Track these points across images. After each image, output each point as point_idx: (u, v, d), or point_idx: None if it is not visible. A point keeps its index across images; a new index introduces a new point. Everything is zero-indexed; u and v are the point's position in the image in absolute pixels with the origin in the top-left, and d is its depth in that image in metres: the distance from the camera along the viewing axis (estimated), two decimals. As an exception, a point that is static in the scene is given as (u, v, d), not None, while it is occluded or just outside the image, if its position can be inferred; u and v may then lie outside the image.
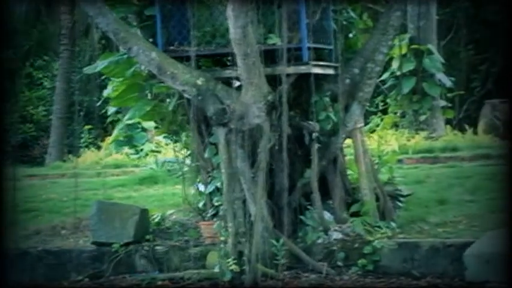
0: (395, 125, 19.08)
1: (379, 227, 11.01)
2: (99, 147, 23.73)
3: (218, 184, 11.25)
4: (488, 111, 18.31)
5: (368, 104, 12.93)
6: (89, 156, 22.26)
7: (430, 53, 18.98)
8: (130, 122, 15.60)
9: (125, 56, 11.46)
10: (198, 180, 11.83)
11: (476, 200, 12.17)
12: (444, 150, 17.02)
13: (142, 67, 11.40)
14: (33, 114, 29.28)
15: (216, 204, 11.34)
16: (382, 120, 19.44)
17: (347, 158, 11.97)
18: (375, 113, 19.67)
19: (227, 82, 11.10)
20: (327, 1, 11.26)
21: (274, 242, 10.62)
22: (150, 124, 15.59)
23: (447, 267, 10.35)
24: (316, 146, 11.14)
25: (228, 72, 11.07)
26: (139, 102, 11.99)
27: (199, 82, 10.88)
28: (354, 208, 11.29)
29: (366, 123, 17.93)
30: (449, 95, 19.94)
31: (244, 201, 10.77)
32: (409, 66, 19.32)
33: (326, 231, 10.97)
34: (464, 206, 11.90)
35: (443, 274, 10.33)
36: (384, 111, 19.70)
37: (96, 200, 12.20)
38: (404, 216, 11.47)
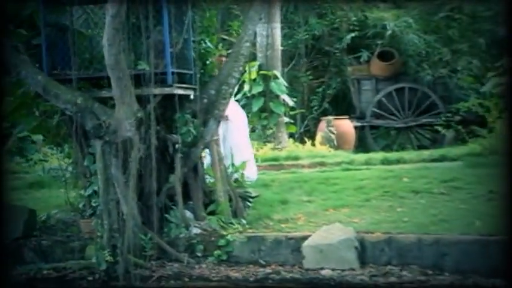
0: (246, 138, 19.20)
1: (231, 223, 11.15)
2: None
3: (95, 188, 11.16)
4: (324, 126, 18.57)
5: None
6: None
7: (276, 77, 19.15)
8: (21, 135, 15.44)
9: (15, 79, 11.38)
10: (78, 184, 11.77)
11: (313, 200, 12.32)
12: (287, 158, 17.12)
13: (31, 88, 11.33)
14: None
15: (93, 204, 11.25)
16: (235, 133, 19.55)
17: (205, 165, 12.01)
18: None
19: (103, 101, 11.10)
20: (188, 33, 11.37)
21: (143, 236, 10.70)
22: (38, 137, 15.43)
23: (288, 256, 10.51)
24: (179, 155, 11.22)
25: (103, 93, 11.06)
26: (28, 118, 11.92)
27: (78, 101, 10.87)
28: (210, 208, 11.43)
29: (222, 137, 18.12)
30: (292, 113, 20.11)
31: (117, 202, 10.77)
32: (258, 89, 19.45)
33: (187, 227, 11.07)
34: (303, 205, 12.06)
35: (285, 262, 10.47)
36: (237, 126, 19.84)
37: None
38: (253, 214, 11.60)
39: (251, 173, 13.59)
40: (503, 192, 10.42)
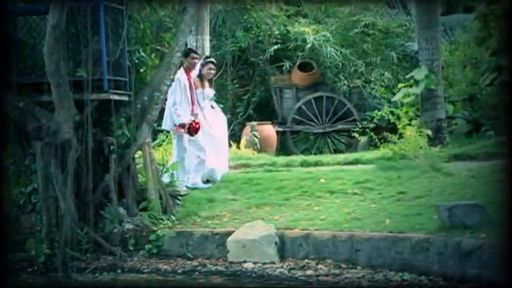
0: (178, 141, 19.15)
1: (162, 219, 11.16)
2: None
3: (35, 185, 11.12)
4: (249, 130, 18.53)
5: (155, 124, 13.06)
6: None
7: None
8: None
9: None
10: (20, 182, 11.64)
11: (237, 199, 12.33)
12: None
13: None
14: None
15: (33, 201, 11.20)
16: (167, 136, 19.48)
17: (138, 166, 11.99)
18: (162, 131, 19.72)
19: (43, 105, 11.07)
20: (123, 43, 11.38)
21: (79, 231, 10.71)
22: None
23: (214, 250, 10.56)
24: (113, 156, 11.23)
25: (44, 98, 11.01)
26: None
27: (21, 105, 10.89)
28: (142, 205, 11.39)
29: (154, 139, 18.07)
30: (219, 118, 20.12)
31: (56, 199, 10.76)
32: (189, 96, 19.48)
33: (120, 222, 11.07)
34: (228, 203, 12.07)
35: (211, 256, 10.52)
36: (169, 130, 19.78)
37: None
38: (182, 211, 11.60)
39: (225, 168, 13.84)
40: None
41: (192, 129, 12.97)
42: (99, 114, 11.29)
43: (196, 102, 13.37)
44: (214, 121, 13.80)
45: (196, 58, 13.56)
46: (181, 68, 13.32)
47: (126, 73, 11.50)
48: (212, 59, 14.17)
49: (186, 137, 13.06)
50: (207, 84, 13.81)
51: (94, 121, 11.09)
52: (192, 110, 13.18)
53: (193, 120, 12.97)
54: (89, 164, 10.96)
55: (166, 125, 13.41)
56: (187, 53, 13.52)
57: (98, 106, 11.12)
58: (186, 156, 13.15)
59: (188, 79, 13.28)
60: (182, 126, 12.95)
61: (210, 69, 13.79)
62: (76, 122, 10.80)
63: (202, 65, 13.71)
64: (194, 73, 13.56)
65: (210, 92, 13.87)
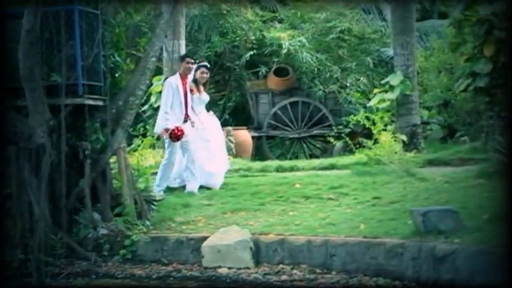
0: (153, 146, 19.14)
1: (136, 224, 11.11)
2: None
3: (9, 190, 10.96)
4: (225, 135, 18.66)
5: (130, 129, 13.03)
6: None
7: None
8: None
9: None
10: None
11: (213, 204, 12.33)
12: None
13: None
14: None
15: (7, 206, 11.01)
16: (142, 141, 19.47)
17: (113, 171, 11.90)
18: (137, 136, 19.68)
19: (18, 110, 11.01)
20: (98, 47, 11.33)
21: (53, 236, 10.64)
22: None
23: (189, 255, 10.53)
24: (88, 161, 11.17)
25: (19, 102, 10.95)
26: None
27: (-5, 109, 10.85)
28: (117, 210, 11.34)
29: (130, 144, 18.02)
30: (195, 123, 20.07)
31: (30, 204, 10.68)
32: (164, 100, 19.47)
33: (95, 228, 11.02)
34: (203, 208, 12.05)
35: (186, 261, 10.49)
36: (144, 135, 19.74)
37: None
38: (157, 217, 11.57)
39: (219, 182, 13.71)
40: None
41: (173, 136, 12.99)
42: (74, 119, 11.25)
43: (191, 108, 13.35)
44: (209, 125, 13.78)
45: (192, 63, 13.52)
46: (177, 73, 13.36)
47: (101, 78, 11.46)
48: (205, 63, 14.11)
49: (178, 142, 13.07)
50: (202, 89, 13.79)
51: (68, 126, 11.05)
52: (186, 116, 13.16)
53: (176, 127, 12.96)
54: (63, 169, 10.90)
55: (157, 128, 13.42)
56: (183, 58, 13.57)
57: (72, 111, 11.08)
58: (176, 160, 13.21)
59: (183, 84, 13.27)
60: (166, 130, 12.97)
61: (203, 73, 13.75)
62: (50, 126, 10.75)
63: (195, 70, 13.69)
64: (190, 78, 13.56)
65: (205, 96, 13.84)
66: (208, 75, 14.04)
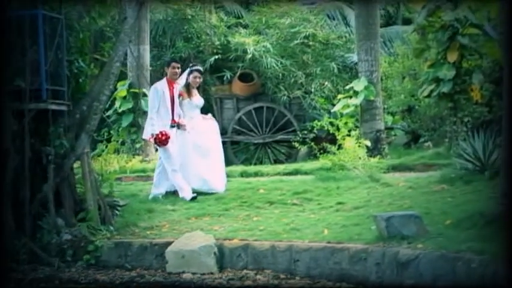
0: (117, 151, 19.10)
1: (100, 230, 11.06)
2: None
3: None
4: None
5: (94, 134, 12.97)
6: None
7: (144, 95, 18.91)
8: None
9: None
10: None
11: (177, 209, 12.35)
12: (154, 170, 16.88)
13: None
14: None
15: None
16: (106, 147, 19.42)
17: (77, 176, 11.83)
18: (101, 141, 19.63)
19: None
20: (62, 52, 11.34)
21: (16, 242, 10.55)
22: None
23: (152, 261, 10.48)
24: (51, 166, 11.11)
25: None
26: None
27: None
28: (81, 215, 11.27)
29: (94, 149, 17.96)
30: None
31: (-8, 209, 10.56)
32: (128, 105, 19.40)
33: (58, 233, 10.95)
34: (167, 213, 12.08)
35: (150, 266, 10.43)
36: (108, 140, 19.70)
37: None
38: (121, 222, 11.53)
39: (221, 185, 13.62)
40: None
41: (158, 140, 13.01)
42: (37, 124, 11.17)
43: (178, 113, 13.31)
44: (205, 130, 13.71)
45: (178, 67, 13.48)
46: (164, 78, 13.35)
47: (64, 83, 11.40)
48: (198, 67, 14.09)
49: (171, 146, 13.06)
50: (195, 93, 13.75)
51: (32, 131, 10.97)
52: (173, 121, 13.15)
53: (161, 132, 12.96)
54: (27, 174, 10.82)
55: (144, 134, 13.48)
56: (169, 62, 13.56)
57: (35, 116, 11.00)
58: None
59: (170, 89, 13.24)
60: (152, 136, 12.99)
61: (196, 77, 13.73)
62: (13, 131, 10.66)
63: (188, 74, 13.66)
64: (182, 82, 13.52)
65: (198, 100, 13.79)
66: (201, 79, 14.05)
